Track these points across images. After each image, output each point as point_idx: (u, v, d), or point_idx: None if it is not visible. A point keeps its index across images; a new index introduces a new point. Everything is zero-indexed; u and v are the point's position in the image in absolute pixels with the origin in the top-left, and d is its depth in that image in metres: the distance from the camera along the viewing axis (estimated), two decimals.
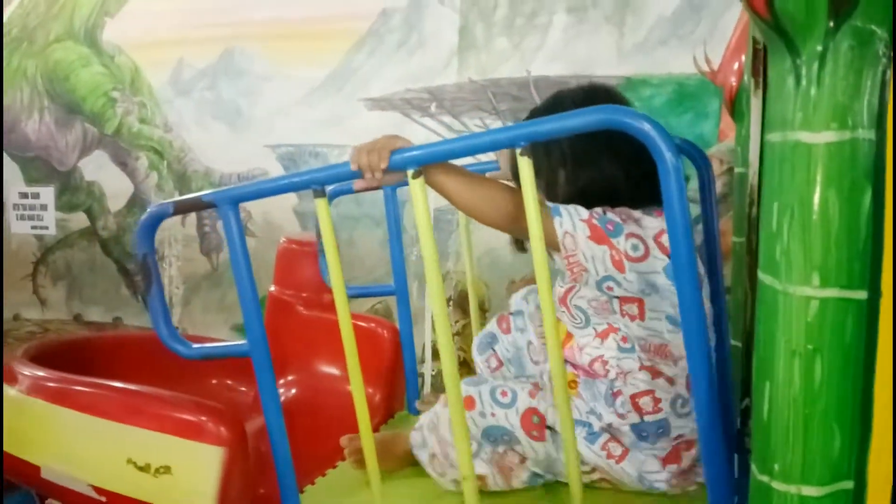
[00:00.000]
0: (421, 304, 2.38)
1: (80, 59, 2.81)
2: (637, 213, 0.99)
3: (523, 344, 1.19)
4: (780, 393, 0.64)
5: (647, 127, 0.78)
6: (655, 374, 0.99)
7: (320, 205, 0.94)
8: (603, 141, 0.94)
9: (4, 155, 3.03)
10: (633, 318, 1.00)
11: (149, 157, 2.78)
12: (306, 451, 1.10)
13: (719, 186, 2.03)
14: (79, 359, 1.43)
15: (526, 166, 0.84)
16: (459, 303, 2.37)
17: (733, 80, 1.34)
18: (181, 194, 2.73)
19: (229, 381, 1.72)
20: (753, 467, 0.68)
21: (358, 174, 0.93)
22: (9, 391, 1.16)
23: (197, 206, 1.00)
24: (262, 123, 2.60)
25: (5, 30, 2.95)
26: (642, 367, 0.99)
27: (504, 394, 1.04)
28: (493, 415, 1.02)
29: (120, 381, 1.16)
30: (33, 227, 3.01)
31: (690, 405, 0.97)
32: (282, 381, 1.56)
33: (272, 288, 1.63)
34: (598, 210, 0.97)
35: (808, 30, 0.62)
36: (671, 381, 1.00)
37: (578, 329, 1.05)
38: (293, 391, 1.56)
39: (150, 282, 1.04)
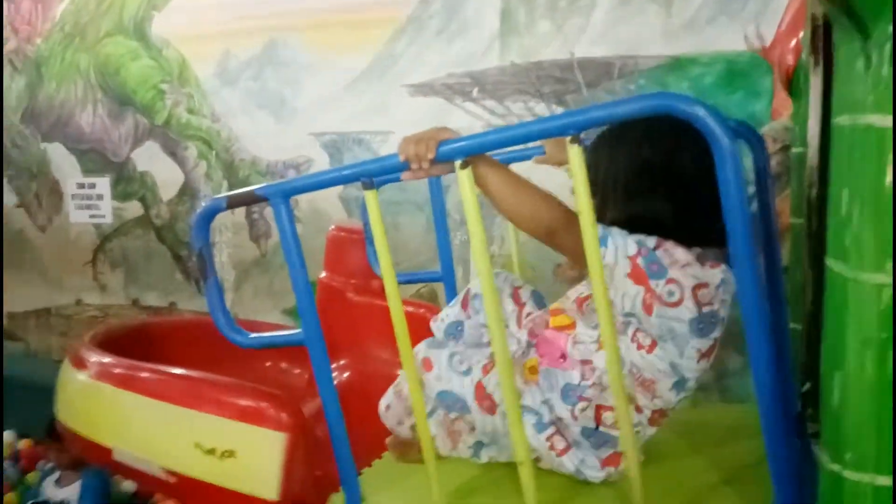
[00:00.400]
0: None
1: (130, 53, 2.89)
2: (685, 258, 0.95)
3: (483, 321, 1.13)
4: (852, 382, 0.64)
5: (700, 111, 0.77)
6: (629, 400, 0.98)
7: (369, 197, 0.96)
8: (661, 171, 0.95)
9: (63, 147, 3.15)
10: (639, 348, 0.99)
11: (197, 147, 2.85)
12: (359, 434, 1.13)
13: (773, 165, 1.98)
14: (140, 343, 1.50)
15: (576, 156, 0.84)
16: None
17: (790, 58, 1.30)
18: (229, 183, 2.80)
19: (283, 364, 1.78)
20: (824, 456, 0.67)
21: (406, 165, 0.95)
22: (78, 376, 1.22)
23: (250, 199, 1.03)
24: (307, 112, 2.63)
25: (58, 26, 3.05)
26: None
27: (461, 362, 1.06)
28: (448, 380, 1.05)
29: (178, 364, 1.22)
30: (91, 217, 3.12)
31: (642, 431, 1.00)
32: (333, 366, 1.60)
33: (322, 274, 1.67)
34: (648, 246, 0.94)
35: (879, 10, 0.60)
36: (640, 410, 1.00)
37: (587, 328, 1.04)
38: (345, 375, 1.60)
39: (207, 273, 1.08)
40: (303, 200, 2.67)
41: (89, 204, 3.12)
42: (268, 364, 1.80)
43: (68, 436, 1.22)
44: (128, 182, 3.02)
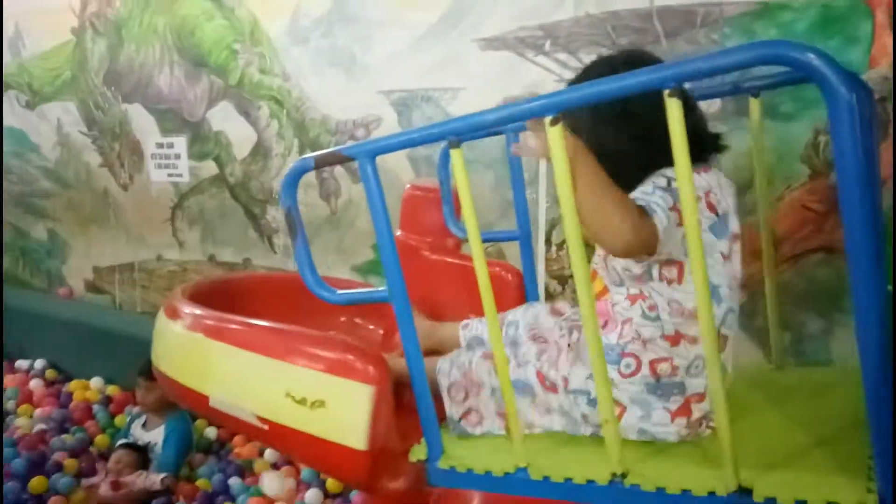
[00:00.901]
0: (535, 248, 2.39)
1: (204, 14, 2.94)
2: None
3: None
4: None
5: (814, 60, 0.72)
6: (677, 339, 1.02)
7: (455, 155, 0.96)
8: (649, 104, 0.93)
9: (142, 107, 3.26)
10: (670, 283, 1.03)
11: (269, 107, 2.89)
12: None
13: None
14: (225, 297, 1.56)
15: (675, 108, 0.81)
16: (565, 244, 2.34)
17: None
18: (300, 142, 2.84)
19: (357, 320, 1.82)
20: None
21: (492, 121, 0.95)
22: (175, 328, 1.29)
23: (336, 159, 1.05)
24: (376, 69, 2.62)
25: None
26: (664, 336, 1.02)
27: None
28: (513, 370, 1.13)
29: (259, 318, 1.26)
30: (169, 175, 3.24)
31: (703, 362, 1.01)
32: None
33: (398, 233, 1.69)
34: (664, 184, 0.98)
35: None
36: (694, 340, 1.02)
37: (615, 286, 1.09)
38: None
39: (296, 233, 1.11)
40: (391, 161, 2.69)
41: (167, 163, 3.23)
42: (342, 319, 1.85)
43: (166, 382, 1.30)
44: (203, 142, 3.11)
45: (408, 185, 1.67)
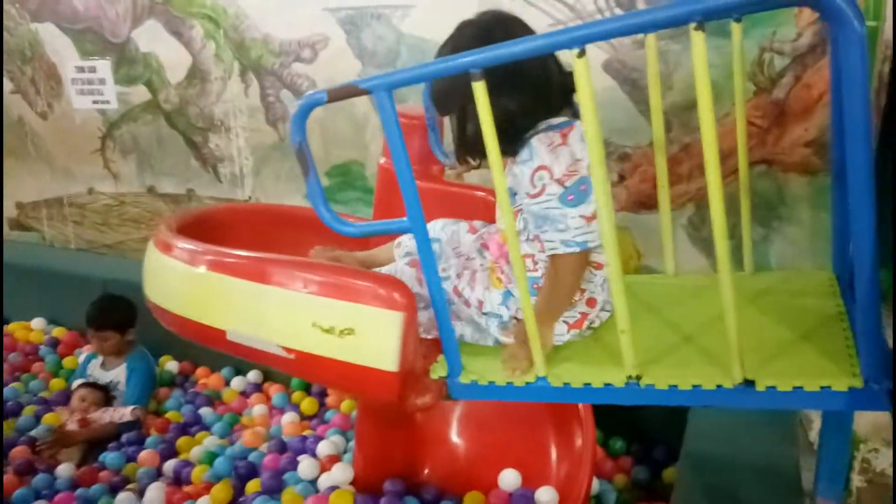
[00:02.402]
0: None
1: None
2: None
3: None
4: None
5: None
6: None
7: (479, 88, 0.97)
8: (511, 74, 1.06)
9: (55, 27, 2.98)
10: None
11: (203, 26, 2.72)
12: None
13: (808, 37, 1.99)
14: (210, 229, 1.54)
15: (700, 42, 0.87)
16: None
17: None
18: (241, 64, 2.72)
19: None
20: None
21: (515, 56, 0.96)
22: (177, 264, 1.28)
23: (352, 93, 1.04)
24: None
25: None
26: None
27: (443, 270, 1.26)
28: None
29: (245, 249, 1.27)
30: (94, 102, 3.03)
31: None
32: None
33: (382, 160, 1.70)
34: (561, 190, 1.09)
35: None
36: (600, 266, 1.18)
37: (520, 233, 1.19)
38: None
39: (308, 169, 1.11)
40: (320, 79, 2.61)
41: (91, 89, 3.01)
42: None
43: (170, 319, 1.30)
44: (131, 64, 2.91)
45: None
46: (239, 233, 1.63)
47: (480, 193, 1.55)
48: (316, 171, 1.12)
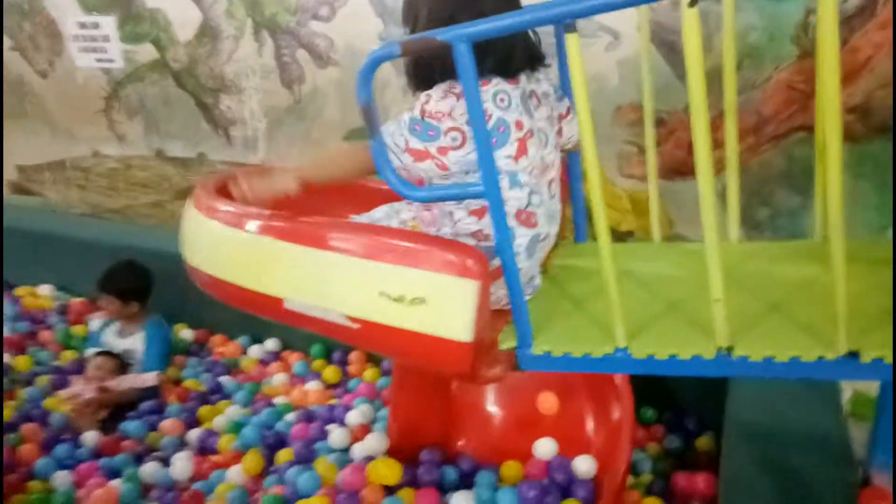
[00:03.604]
0: None
1: None
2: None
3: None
4: None
5: None
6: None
7: (571, 41, 0.91)
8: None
9: None
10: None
11: None
12: None
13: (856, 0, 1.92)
14: None
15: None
16: None
17: None
18: (254, 21, 2.61)
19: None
20: None
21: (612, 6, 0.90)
22: (226, 230, 1.21)
23: (430, 45, 0.97)
24: None
25: None
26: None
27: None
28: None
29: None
30: (98, 60, 2.90)
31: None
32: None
33: None
34: (417, 118, 1.13)
35: None
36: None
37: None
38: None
39: (375, 129, 1.05)
40: (339, 41, 2.52)
41: (94, 46, 2.89)
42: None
43: (216, 285, 1.24)
44: (136, 21, 2.78)
45: None
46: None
47: None
48: (382, 133, 1.05)
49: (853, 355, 0.90)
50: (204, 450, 2.03)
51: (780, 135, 2.08)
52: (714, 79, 2.04)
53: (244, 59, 2.68)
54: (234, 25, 2.64)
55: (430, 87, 1.16)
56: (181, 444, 2.06)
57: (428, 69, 1.15)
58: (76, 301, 2.86)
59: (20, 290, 2.91)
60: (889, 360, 0.87)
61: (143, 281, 2.44)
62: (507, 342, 1.11)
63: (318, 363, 2.49)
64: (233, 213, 1.20)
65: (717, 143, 2.14)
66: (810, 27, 1.95)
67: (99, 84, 2.95)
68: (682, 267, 1.27)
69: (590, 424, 1.80)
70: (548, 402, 1.70)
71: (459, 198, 1.07)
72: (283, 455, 1.92)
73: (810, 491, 1.33)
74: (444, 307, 1.02)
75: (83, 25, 2.87)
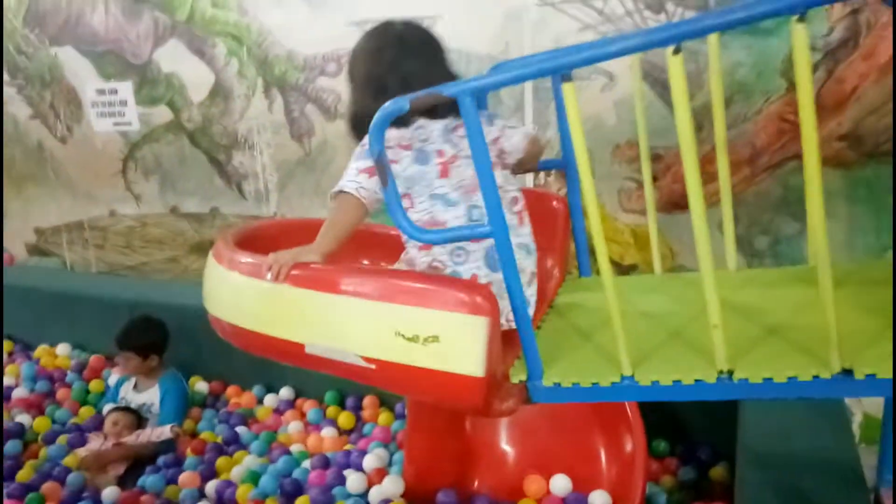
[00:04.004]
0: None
1: None
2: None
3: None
4: None
5: None
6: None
7: (568, 90, 0.99)
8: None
9: (74, 50, 2.99)
10: (407, 210, 1.30)
11: (226, 44, 2.74)
12: None
13: (839, 31, 2.01)
14: (263, 242, 1.54)
15: (802, 34, 0.88)
16: (562, 172, 2.41)
17: None
18: (265, 80, 2.73)
19: (383, 263, 1.84)
20: None
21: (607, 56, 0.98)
22: (248, 280, 1.27)
23: (436, 100, 1.05)
24: None
25: None
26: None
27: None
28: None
29: None
30: (116, 124, 3.03)
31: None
32: None
33: None
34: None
35: None
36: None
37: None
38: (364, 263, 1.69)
39: (386, 179, 1.12)
40: (345, 93, 2.61)
41: (112, 111, 3.02)
42: (365, 262, 1.85)
43: (239, 335, 1.29)
44: (152, 85, 2.91)
45: None
46: (288, 246, 1.63)
47: (545, 198, 1.56)
48: (395, 182, 1.12)
49: (847, 373, 0.94)
50: (222, 501, 2.05)
51: (775, 164, 2.15)
52: (706, 114, 2.16)
53: (256, 116, 2.80)
54: (245, 85, 2.76)
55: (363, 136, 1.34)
56: (200, 497, 2.08)
57: (363, 124, 1.26)
58: (93, 358, 2.91)
59: (39, 351, 2.97)
60: (882, 375, 0.90)
61: (160, 334, 2.50)
62: (517, 375, 1.16)
63: (332, 410, 2.52)
64: (252, 263, 1.26)
65: (712, 177, 2.22)
66: None
67: (117, 147, 3.07)
68: (682, 296, 1.32)
69: (603, 459, 1.81)
70: (535, 484, 1.75)
71: (467, 238, 1.12)
72: (301, 502, 1.93)
73: None
74: (456, 344, 1.07)
75: (102, 92, 3.01)
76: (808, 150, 0.90)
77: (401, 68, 1.35)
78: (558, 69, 0.96)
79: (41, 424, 2.50)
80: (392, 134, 1.34)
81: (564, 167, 1.48)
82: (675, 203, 2.27)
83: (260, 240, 1.53)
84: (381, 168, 1.11)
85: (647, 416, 1.72)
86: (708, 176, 2.19)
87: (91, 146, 3.11)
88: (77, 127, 3.12)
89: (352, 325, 1.13)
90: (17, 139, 3.26)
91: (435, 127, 1.37)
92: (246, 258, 1.29)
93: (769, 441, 1.63)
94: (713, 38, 1.32)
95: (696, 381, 1.03)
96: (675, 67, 0.92)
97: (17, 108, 3.19)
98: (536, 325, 1.34)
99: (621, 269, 2.38)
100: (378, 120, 1.08)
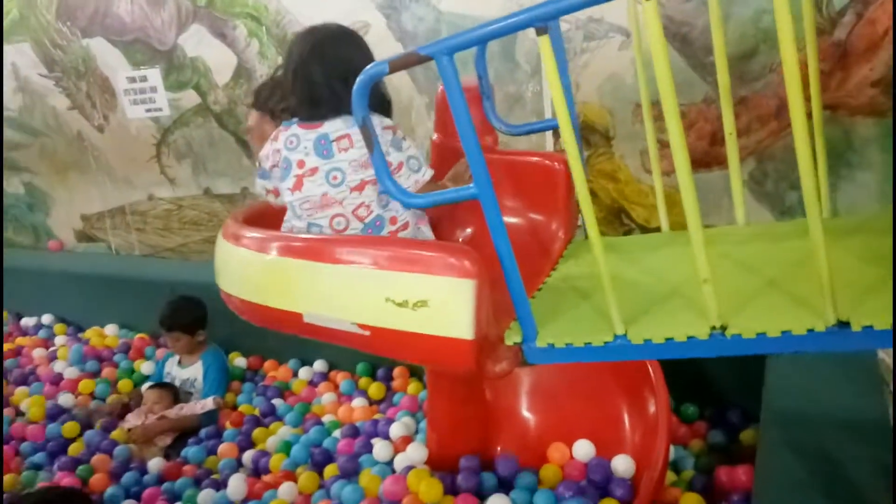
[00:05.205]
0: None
1: None
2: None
3: None
4: None
5: None
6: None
7: (544, 43, 0.96)
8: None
9: (105, 41, 3.08)
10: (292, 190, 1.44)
11: (246, 25, 2.77)
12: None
13: None
14: (274, 219, 1.57)
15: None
16: (582, 133, 2.37)
17: None
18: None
19: None
20: None
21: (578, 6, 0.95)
22: (250, 254, 1.30)
23: (414, 60, 1.04)
24: None
25: None
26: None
27: None
28: None
29: None
30: (148, 111, 3.12)
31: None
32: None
33: (434, 136, 1.69)
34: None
35: None
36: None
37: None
38: (467, 231, 1.68)
39: (372, 143, 1.12)
40: None
41: (143, 98, 3.10)
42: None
43: (246, 307, 1.33)
44: (179, 70, 2.98)
45: (440, 87, 1.66)
46: None
47: (535, 158, 1.53)
48: (380, 146, 1.12)
49: (844, 325, 0.90)
50: (257, 470, 2.13)
51: (808, 114, 2.04)
52: (732, 66, 2.06)
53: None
54: (266, 65, 2.79)
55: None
56: (237, 466, 2.16)
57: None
58: (137, 338, 3.04)
59: (88, 333, 3.12)
60: (879, 326, 0.86)
61: (201, 310, 2.58)
62: (512, 338, 1.15)
63: (364, 381, 2.57)
64: (255, 238, 1.29)
65: (737, 132, 2.15)
66: (824, 3, 1.93)
67: (150, 132, 3.16)
68: (686, 253, 1.28)
69: (626, 423, 1.80)
70: (558, 451, 1.74)
71: (454, 201, 1.12)
72: (330, 470, 1.99)
73: (847, 475, 1.30)
74: (445, 308, 1.07)
75: (133, 80, 3.09)
76: (792, 94, 0.86)
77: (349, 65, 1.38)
78: (531, 22, 0.94)
79: (85, 403, 2.64)
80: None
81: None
82: (698, 161, 2.19)
83: (269, 217, 1.56)
84: (367, 133, 1.11)
85: (675, 380, 1.69)
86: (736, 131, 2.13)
87: (126, 133, 3.21)
88: (112, 115, 3.22)
89: (345, 292, 1.14)
90: (58, 130, 3.39)
91: (307, 136, 1.42)
92: (245, 231, 1.32)
93: (794, 401, 1.58)
94: None
95: (689, 337, 1.00)
96: (650, 14, 0.88)
97: (56, 99, 3.32)
98: (538, 287, 1.33)
99: (647, 232, 2.32)
100: (360, 85, 1.08)
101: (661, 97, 0.93)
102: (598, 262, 1.04)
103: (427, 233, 1.46)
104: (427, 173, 1.38)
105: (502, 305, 1.17)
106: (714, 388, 2.07)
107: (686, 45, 2.11)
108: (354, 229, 1.38)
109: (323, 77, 1.38)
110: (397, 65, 1.04)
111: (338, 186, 1.37)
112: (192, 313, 2.55)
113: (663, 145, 2.23)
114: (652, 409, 1.72)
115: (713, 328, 0.99)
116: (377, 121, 1.36)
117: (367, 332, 1.14)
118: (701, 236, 0.95)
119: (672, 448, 1.86)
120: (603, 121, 2.34)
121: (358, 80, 1.07)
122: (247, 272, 1.30)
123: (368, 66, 1.06)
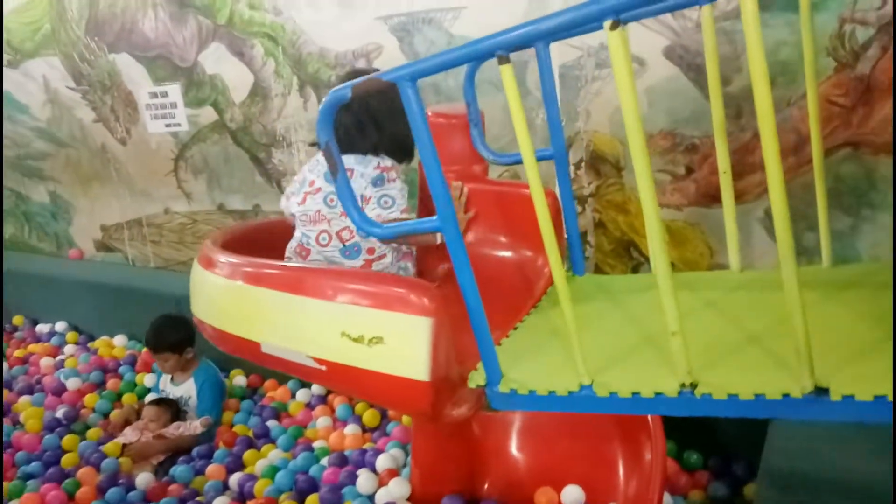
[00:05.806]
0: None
1: None
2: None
3: None
4: None
5: None
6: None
7: (506, 71, 0.91)
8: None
9: (129, 56, 3.13)
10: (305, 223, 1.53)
11: (263, 44, 2.78)
12: None
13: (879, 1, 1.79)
14: (252, 243, 1.54)
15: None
16: (592, 164, 2.30)
17: None
18: (299, 79, 2.75)
19: None
20: None
21: (542, 34, 0.89)
22: (214, 278, 1.27)
23: (376, 86, 0.99)
24: None
25: None
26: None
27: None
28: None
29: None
30: (167, 126, 3.15)
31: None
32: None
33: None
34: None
35: None
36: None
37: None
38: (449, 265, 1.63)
39: (336, 168, 1.07)
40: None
41: (164, 113, 3.14)
42: None
43: (212, 332, 1.29)
44: (198, 87, 3.01)
45: (429, 113, 1.61)
46: (281, 245, 1.63)
47: (524, 191, 1.47)
48: (345, 171, 1.07)
49: (822, 392, 0.81)
50: (242, 494, 2.08)
51: (823, 153, 1.93)
52: (746, 99, 1.97)
53: (292, 114, 2.83)
54: (282, 84, 2.80)
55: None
56: (223, 489, 2.12)
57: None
58: (144, 351, 3.04)
59: (97, 342, 3.14)
60: (861, 397, 0.77)
61: (187, 328, 2.51)
62: (475, 380, 1.09)
63: (360, 406, 2.51)
64: (222, 263, 1.25)
65: (752, 168, 2.05)
66: (846, 36, 1.83)
67: (168, 147, 3.20)
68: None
69: (621, 470, 1.70)
70: (546, 496, 1.65)
71: (415, 232, 1.07)
72: (311, 501, 1.93)
73: None
74: (400, 346, 1.02)
75: (154, 95, 3.14)
76: (767, 139, 0.79)
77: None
78: (492, 49, 0.89)
79: (87, 415, 2.64)
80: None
81: (553, 158, 1.38)
82: (712, 196, 2.10)
83: (246, 241, 1.53)
84: (330, 157, 1.07)
85: (679, 424, 1.59)
86: (747, 167, 2.03)
87: (147, 147, 3.25)
88: (134, 129, 3.27)
89: (301, 323, 1.10)
90: (83, 141, 3.46)
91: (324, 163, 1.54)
92: (215, 256, 1.28)
93: (794, 460, 1.47)
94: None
95: (656, 394, 0.92)
96: (614, 42, 0.82)
97: (82, 112, 3.39)
98: (514, 326, 1.26)
99: None
100: (323, 109, 1.04)
101: (626, 132, 0.87)
102: (565, 309, 0.97)
103: (409, 269, 1.43)
104: (394, 213, 1.37)
105: (471, 346, 1.10)
106: (720, 436, 1.96)
107: (700, 76, 2.03)
108: (335, 247, 1.49)
109: (347, 118, 1.52)
110: (360, 89, 1.00)
111: (332, 208, 1.54)
112: (178, 333, 2.50)
113: (674, 178, 2.16)
114: (648, 456, 1.62)
115: (682, 385, 0.91)
116: (375, 160, 1.50)
117: (323, 367, 1.09)
118: (669, 284, 0.87)
119: (670, 498, 1.76)
120: (614, 151, 2.26)
121: (323, 104, 1.04)
122: (213, 297, 1.26)
123: (332, 91, 1.02)
